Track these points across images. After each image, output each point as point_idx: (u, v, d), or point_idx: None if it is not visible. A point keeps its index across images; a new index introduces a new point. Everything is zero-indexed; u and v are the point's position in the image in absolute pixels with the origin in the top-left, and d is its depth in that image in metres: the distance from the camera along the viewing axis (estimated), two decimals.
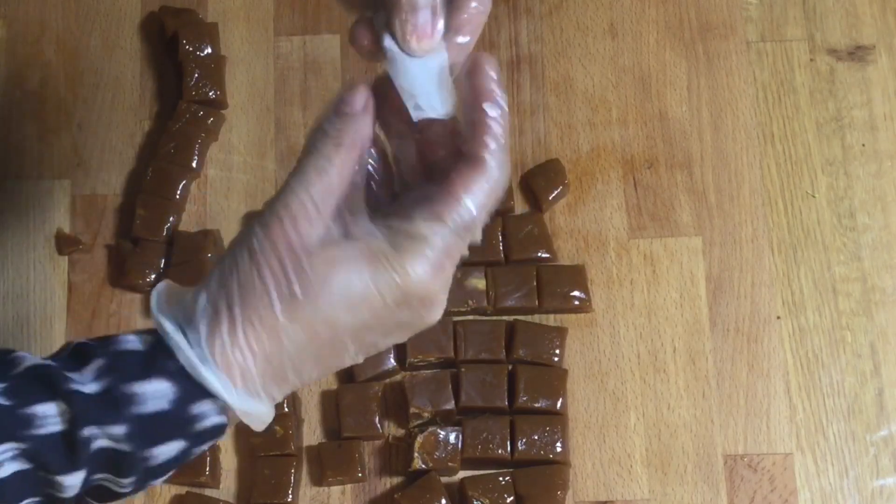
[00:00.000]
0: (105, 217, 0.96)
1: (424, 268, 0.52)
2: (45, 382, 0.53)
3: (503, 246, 0.92)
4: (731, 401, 0.90)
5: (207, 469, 0.88)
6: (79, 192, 0.97)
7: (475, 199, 0.53)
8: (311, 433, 0.91)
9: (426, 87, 0.54)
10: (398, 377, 0.91)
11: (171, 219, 0.94)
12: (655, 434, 0.89)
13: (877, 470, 0.88)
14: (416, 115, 0.54)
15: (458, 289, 0.91)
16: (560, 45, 0.99)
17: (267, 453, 0.88)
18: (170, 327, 0.53)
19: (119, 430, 0.52)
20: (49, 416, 0.52)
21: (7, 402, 0.52)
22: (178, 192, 0.95)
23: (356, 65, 0.99)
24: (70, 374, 0.53)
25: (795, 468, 0.88)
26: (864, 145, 0.95)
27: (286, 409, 0.88)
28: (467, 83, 0.54)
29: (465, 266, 0.92)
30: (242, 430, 0.90)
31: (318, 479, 0.89)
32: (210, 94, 0.97)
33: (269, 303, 0.52)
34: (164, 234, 0.94)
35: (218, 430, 0.54)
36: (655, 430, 0.89)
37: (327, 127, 0.54)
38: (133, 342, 0.54)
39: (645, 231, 0.94)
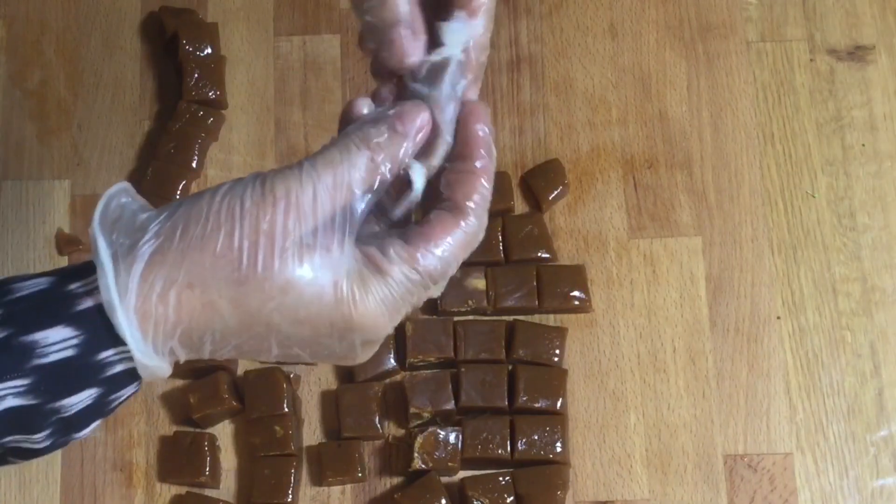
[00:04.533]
0: None
1: (380, 308, 0.50)
2: None
3: (503, 246, 0.92)
4: (731, 401, 0.90)
5: (207, 469, 0.88)
6: (79, 192, 0.97)
7: (451, 251, 0.51)
8: (311, 433, 0.91)
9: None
10: (398, 377, 0.91)
11: None
12: (655, 434, 0.89)
13: (877, 470, 0.88)
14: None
15: (458, 289, 0.91)
16: (560, 45, 0.99)
17: (267, 453, 0.88)
18: (103, 248, 0.49)
19: (22, 382, 0.49)
20: None
21: None
22: (178, 192, 0.95)
23: (356, 65, 0.99)
24: None
25: (795, 468, 0.88)
26: (864, 145, 0.95)
27: (286, 410, 0.88)
28: (460, 130, 0.53)
29: (465, 266, 0.92)
30: (242, 430, 0.90)
31: (318, 479, 0.89)
32: (210, 94, 0.97)
33: (222, 275, 0.48)
34: None
35: (130, 376, 0.51)
36: (655, 430, 0.89)
37: (370, 134, 0.51)
38: (30, 286, 0.50)
39: (645, 231, 0.94)
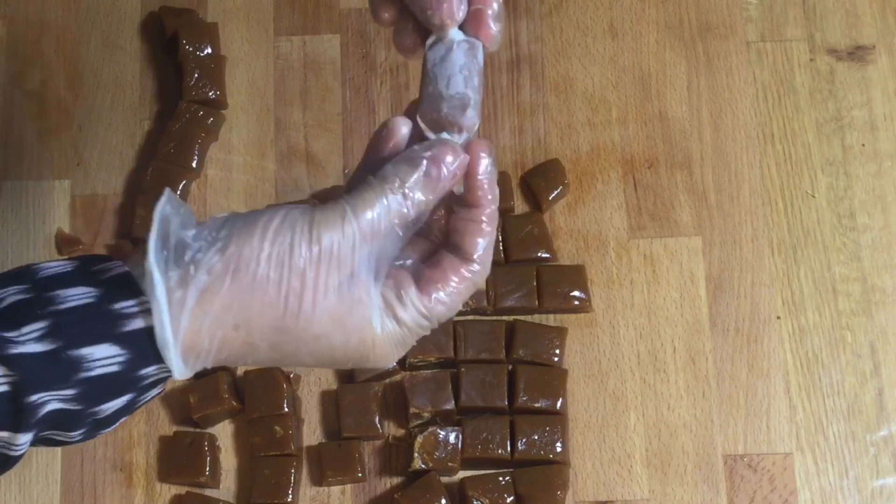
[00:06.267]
0: (105, 217, 0.96)
1: (393, 348, 0.55)
2: None
3: (503, 246, 0.92)
4: (731, 401, 0.90)
5: (207, 469, 0.88)
6: (79, 192, 0.97)
7: (457, 296, 0.56)
8: (311, 433, 0.91)
9: (465, 72, 0.55)
10: (398, 377, 0.91)
11: None
12: (655, 434, 0.89)
13: (877, 470, 0.88)
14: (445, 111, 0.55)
15: None
16: (560, 45, 0.99)
17: (267, 453, 0.88)
18: (160, 291, 0.51)
19: (68, 392, 0.51)
20: None
21: None
22: (178, 192, 0.95)
23: (356, 65, 0.99)
24: (7, 334, 0.50)
25: (795, 468, 0.88)
26: (864, 145, 0.95)
27: (286, 410, 0.88)
28: (467, 174, 0.55)
29: None
30: (242, 430, 0.90)
31: (318, 479, 0.89)
32: (210, 94, 0.97)
33: (267, 322, 0.52)
34: None
35: (161, 383, 0.55)
36: (655, 430, 0.89)
37: (408, 181, 0.53)
38: (75, 297, 0.52)
39: (645, 231, 0.94)
